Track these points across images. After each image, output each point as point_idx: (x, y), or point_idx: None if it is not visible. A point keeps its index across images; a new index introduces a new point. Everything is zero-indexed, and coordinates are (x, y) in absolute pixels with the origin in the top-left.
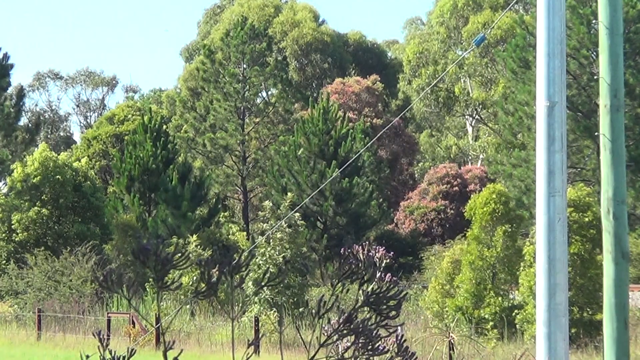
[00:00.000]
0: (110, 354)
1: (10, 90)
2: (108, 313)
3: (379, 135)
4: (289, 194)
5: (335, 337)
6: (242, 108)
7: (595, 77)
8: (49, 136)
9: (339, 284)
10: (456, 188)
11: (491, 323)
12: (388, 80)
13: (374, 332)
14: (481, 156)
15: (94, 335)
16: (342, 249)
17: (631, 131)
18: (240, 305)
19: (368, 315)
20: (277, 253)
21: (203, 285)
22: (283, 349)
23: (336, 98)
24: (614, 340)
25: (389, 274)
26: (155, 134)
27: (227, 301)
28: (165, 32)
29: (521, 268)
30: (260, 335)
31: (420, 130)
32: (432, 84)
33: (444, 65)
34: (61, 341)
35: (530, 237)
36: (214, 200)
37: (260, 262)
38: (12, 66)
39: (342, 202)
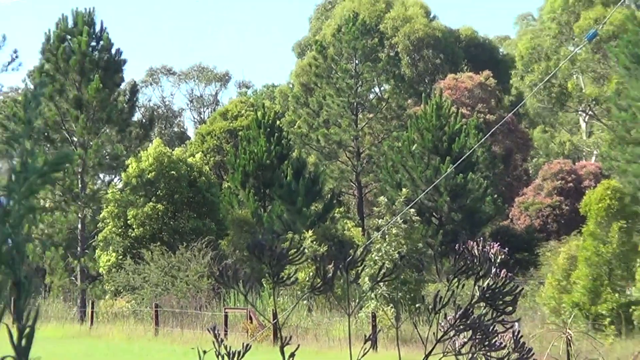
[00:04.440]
0: (226, 349)
1: (123, 86)
2: (225, 308)
3: (492, 130)
4: (403, 189)
5: (451, 333)
6: (355, 104)
7: None
8: (162, 131)
9: (455, 280)
10: (571, 184)
11: (608, 319)
12: (500, 76)
13: (491, 327)
14: (595, 152)
15: (209, 330)
16: (457, 245)
17: None
18: (357, 300)
19: (484, 311)
20: (392, 249)
21: (319, 280)
22: (400, 345)
23: (449, 94)
24: None
25: (504, 270)
26: (268, 129)
27: (343, 297)
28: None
29: (637, 264)
30: (377, 331)
31: (533, 126)
32: (545, 80)
33: (556, 61)
34: (179, 336)
35: None
36: (329, 195)
37: (376, 257)
38: (125, 62)
39: (457, 197)
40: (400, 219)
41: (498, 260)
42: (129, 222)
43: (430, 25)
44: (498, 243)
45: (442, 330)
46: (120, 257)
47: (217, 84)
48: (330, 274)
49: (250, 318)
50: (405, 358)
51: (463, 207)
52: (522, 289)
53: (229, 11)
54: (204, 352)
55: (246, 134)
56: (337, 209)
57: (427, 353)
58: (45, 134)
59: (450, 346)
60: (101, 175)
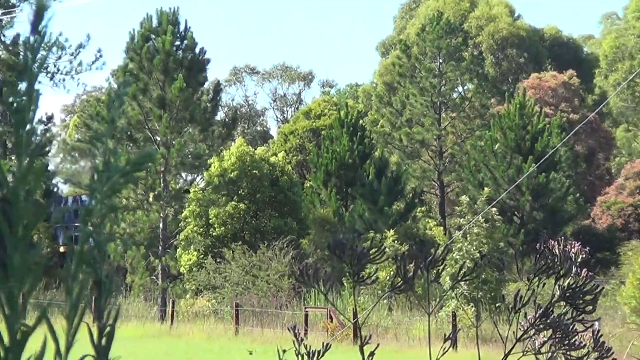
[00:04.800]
0: (306, 348)
1: (207, 85)
2: (305, 308)
3: (575, 130)
4: (485, 188)
5: (531, 332)
6: (438, 103)
7: None
8: (245, 131)
9: (535, 279)
10: None
11: None
12: (584, 75)
13: (570, 326)
14: None
15: (289, 330)
16: (538, 244)
17: None
18: (437, 300)
19: (564, 310)
20: (473, 248)
21: (399, 279)
22: (480, 344)
23: (532, 93)
24: None
25: (585, 269)
26: (351, 128)
27: (424, 296)
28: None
29: None
30: (457, 330)
31: (616, 125)
32: (629, 79)
33: None
34: (259, 336)
35: None
36: (411, 195)
37: (457, 256)
38: (208, 61)
39: (539, 197)
40: (482, 218)
41: (579, 260)
42: (210, 221)
43: (514, 25)
44: (579, 242)
45: (522, 329)
46: (202, 256)
47: (301, 83)
48: (410, 273)
49: (331, 317)
50: (485, 357)
51: (545, 207)
52: (603, 288)
53: (313, 10)
54: (284, 350)
55: (329, 133)
56: (419, 208)
57: (506, 352)
58: (128, 133)
59: (530, 345)
60: (183, 175)
